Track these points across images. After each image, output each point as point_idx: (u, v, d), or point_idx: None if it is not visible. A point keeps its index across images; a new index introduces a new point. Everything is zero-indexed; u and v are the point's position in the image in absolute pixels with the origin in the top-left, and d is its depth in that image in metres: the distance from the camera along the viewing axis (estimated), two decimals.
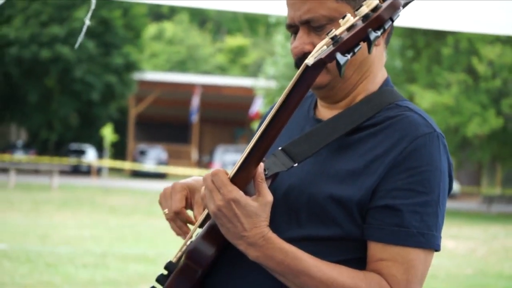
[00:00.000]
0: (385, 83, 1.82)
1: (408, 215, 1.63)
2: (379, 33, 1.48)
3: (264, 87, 32.89)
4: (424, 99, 28.36)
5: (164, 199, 1.85)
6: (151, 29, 53.15)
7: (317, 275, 1.60)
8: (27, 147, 40.79)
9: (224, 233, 1.63)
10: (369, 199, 1.66)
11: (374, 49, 1.74)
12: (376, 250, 1.66)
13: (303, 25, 1.74)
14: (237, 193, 1.58)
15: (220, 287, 1.77)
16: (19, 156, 37.42)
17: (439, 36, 29.14)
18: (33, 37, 35.62)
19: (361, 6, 1.49)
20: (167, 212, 1.83)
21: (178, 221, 1.83)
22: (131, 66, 39.06)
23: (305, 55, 1.69)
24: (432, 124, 1.72)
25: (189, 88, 40.19)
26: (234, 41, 57.04)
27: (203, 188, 1.64)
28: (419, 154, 1.66)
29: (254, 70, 45.42)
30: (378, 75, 1.81)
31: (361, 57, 1.73)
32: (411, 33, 29.88)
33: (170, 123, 47.01)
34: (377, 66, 1.81)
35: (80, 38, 2.90)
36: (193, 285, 1.73)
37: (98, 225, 17.21)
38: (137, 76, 40.21)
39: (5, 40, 36.12)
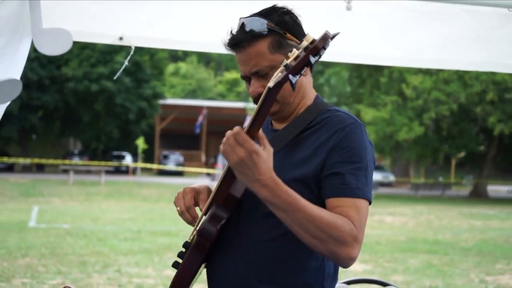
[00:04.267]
0: (317, 97, 1.84)
1: (348, 176, 1.65)
2: (317, 58, 1.47)
3: (253, 108, 33.01)
4: (368, 115, 28.51)
5: (177, 200, 1.83)
6: (170, 67, 53.12)
7: (310, 211, 1.57)
8: (81, 154, 40.69)
9: (241, 179, 1.55)
10: (320, 172, 1.67)
11: (304, 78, 1.77)
12: (332, 202, 1.65)
13: (253, 75, 1.74)
14: (256, 146, 1.52)
15: (219, 265, 1.78)
16: (76, 160, 37.31)
17: (378, 69, 29.27)
18: (85, 74, 35.58)
19: (302, 40, 1.48)
20: (179, 209, 1.82)
21: (188, 214, 1.81)
22: (156, 95, 39.07)
23: (259, 95, 1.67)
24: (354, 117, 1.74)
25: (198, 110, 40.17)
26: (231, 75, 57.05)
27: (221, 146, 1.56)
28: (349, 137, 1.68)
29: (245, 96, 45.40)
30: (310, 94, 1.82)
31: (299, 86, 1.74)
32: (357, 67, 30.01)
33: (185, 135, 46.93)
34: (309, 88, 1.81)
35: (118, 73, 2.92)
36: (204, 256, 1.73)
37: (135, 210, 17.20)
38: (161, 101, 40.21)
39: (64, 77, 36.12)
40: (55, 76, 36.25)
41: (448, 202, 26.04)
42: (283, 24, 1.71)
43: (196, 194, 1.82)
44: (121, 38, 2.60)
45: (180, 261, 1.75)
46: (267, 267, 1.71)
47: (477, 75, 25.66)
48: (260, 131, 1.58)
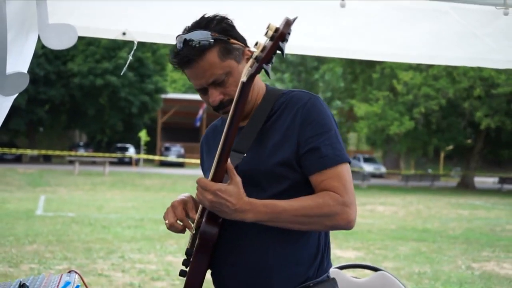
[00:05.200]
0: (267, 86, 1.85)
1: (324, 148, 1.68)
2: (285, 43, 1.48)
3: None
4: (360, 109, 28.55)
5: (166, 214, 1.78)
6: None
7: (291, 208, 1.62)
8: (87, 146, 40.66)
9: (223, 216, 1.62)
10: (297, 151, 1.69)
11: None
12: (316, 178, 1.68)
13: (211, 85, 1.73)
14: (217, 185, 1.57)
15: (225, 259, 1.76)
16: (81, 152, 37.25)
17: (370, 64, 29.27)
18: (90, 70, 35.51)
19: (267, 31, 1.48)
20: (167, 222, 1.76)
21: (177, 224, 1.74)
22: (159, 89, 38.99)
23: (221, 102, 1.72)
24: (310, 93, 1.77)
25: (198, 104, 40.10)
26: None
27: (195, 194, 1.62)
28: (312, 111, 1.71)
29: None
30: (262, 85, 1.83)
31: (254, 82, 1.72)
32: (351, 63, 30.02)
33: (185, 128, 46.91)
34: (259, 81, 1.82)
35: (124, 69, 2.92)
36: (209, 257, 1.72)
37: (137, 199, 17.21)
38: (163, 96, 40.14)
39: (70, 72, 36.03)
40: (61, 71, 36.18)
41: (436, 193, 26.11)
42: (224, 31, 1.72)
43: (184, 205, 1.79)
44: (124, 33, 2.60)
45: (185, 269, 1.74)
46: (277, 250, 1.71)
47: (465, 72, 25.68)
48: (229, 162, 1.61)
